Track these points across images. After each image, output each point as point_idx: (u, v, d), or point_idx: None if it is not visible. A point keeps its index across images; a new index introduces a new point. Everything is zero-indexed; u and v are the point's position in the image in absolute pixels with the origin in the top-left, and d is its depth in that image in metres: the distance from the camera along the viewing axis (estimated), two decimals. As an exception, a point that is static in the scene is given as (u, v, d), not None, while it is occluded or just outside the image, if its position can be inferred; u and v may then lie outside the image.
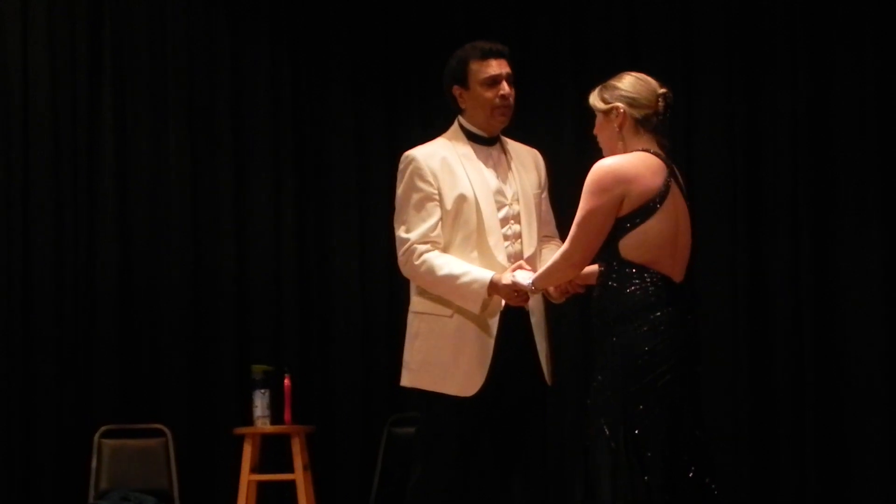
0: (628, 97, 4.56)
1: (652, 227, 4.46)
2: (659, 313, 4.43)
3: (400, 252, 4.98)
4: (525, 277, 4.77)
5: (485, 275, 4.83)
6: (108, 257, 7.97)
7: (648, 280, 4.46)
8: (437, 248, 4.93)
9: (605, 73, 4.72)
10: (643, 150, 4.54)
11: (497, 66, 4.99)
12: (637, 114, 4.55)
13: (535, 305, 4.96)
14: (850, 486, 7.52)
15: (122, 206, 8.04)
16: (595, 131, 4.66)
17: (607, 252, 4.51)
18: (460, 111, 5.08)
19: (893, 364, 7.51)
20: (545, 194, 5.17)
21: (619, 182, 4.45)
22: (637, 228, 4.46)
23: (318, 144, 8.41)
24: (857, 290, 7.59)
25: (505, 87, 4.99)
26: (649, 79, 4.61)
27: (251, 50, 8.32)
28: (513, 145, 5.16)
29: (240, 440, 7.55)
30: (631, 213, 4.46)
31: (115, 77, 8.05)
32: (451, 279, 4.86)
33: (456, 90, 5.04)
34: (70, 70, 8.00)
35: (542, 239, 5.11)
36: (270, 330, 8.21)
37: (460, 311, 4.90)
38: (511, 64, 5.04)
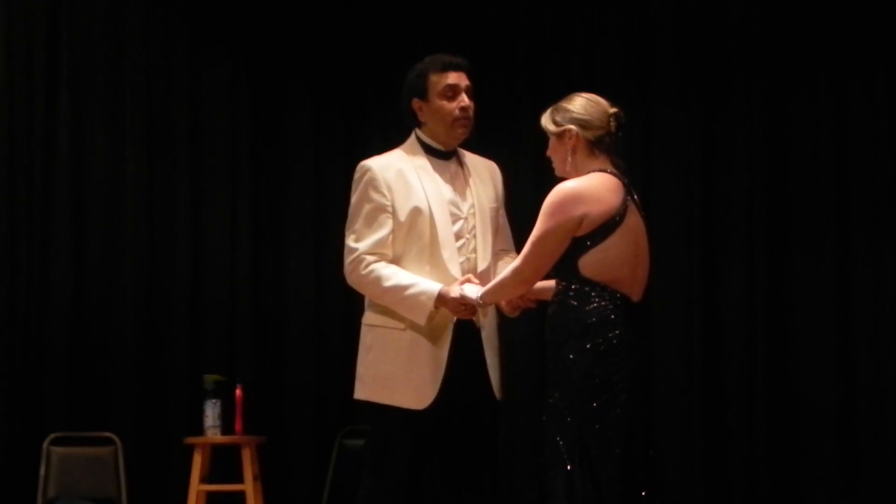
0: (580, 119, 4.55)
1: (612, 246, 4.45)
2: (618, 331, 4.42)
3: (347, 261, 4.96)
4: (473, 291, 4.74)
5: (433, 287, 4.80)
6: (60, 265, 7.92)
7: (608, 298, 4.44)
8: (385, 260, 4.89)
9: (562, 93, 4.69)
10: (599, 171, 4.53)
11: (457, 78, 4.96)
12: (590, 135, 4.54)
13: (485, 319, 4.93)
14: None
15: (76, 214, 7.99)
16: (549, 153, 4.65)
17: (566, 270, 4.49)
18: (419, 125, 5.03)
19: (846, 388, 7.55)
20: (502, 209, 5.14)
21: (578, 205, 4.43)
22: (597, 247, 4.44)
23: (274, 156, 8.37)
24: (810, 314, 7.64)
25: (465, 99, 4.96)
26: (600, 99, 4.60)
27: (210, 67, 8.28)
28: (470, 158, 5.12)
29: (190, 450, 7.52)
30: (591, 232, 4.44)
31: (72, 95, 7.98)
32: (398, 290, 4.83)
33: (416, 103, 5.00)
34: (27, 87, 7.92)
35: (498, 252, 5.08)
36: (223, 339, 8.16)
37: (413, 323, 4.86)
38: (471, 77, 5.01)
